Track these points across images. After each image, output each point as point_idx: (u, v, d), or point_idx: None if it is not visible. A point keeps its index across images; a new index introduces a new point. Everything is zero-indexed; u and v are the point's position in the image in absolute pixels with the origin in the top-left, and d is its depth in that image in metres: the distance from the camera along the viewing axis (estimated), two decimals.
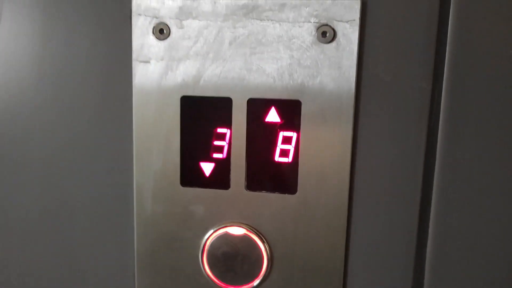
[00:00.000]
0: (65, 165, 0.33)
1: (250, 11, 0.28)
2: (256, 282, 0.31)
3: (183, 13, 0.29)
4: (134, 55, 0.30)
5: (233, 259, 0.31)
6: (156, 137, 0.31)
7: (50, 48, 0.32)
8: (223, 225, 0.31)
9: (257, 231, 0.31)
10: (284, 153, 0.30)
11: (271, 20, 0.28)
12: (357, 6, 0.27)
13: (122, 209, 0.33)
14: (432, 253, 0.29)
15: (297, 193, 0.30)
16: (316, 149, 0.29)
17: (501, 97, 0.27)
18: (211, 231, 0.31)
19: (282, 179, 0.30)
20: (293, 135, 0.29)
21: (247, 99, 0.29)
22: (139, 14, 0.30)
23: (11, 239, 0.35)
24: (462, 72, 0.27)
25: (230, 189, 0.31)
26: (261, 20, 0.28)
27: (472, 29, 0.26)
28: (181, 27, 0.29)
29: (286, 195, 0.30)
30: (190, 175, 0.31)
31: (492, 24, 0.26)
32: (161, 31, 0.29)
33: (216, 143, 0.31)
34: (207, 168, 0.31)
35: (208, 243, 0.31)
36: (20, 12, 0.32)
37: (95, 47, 0.31)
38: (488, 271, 0.28)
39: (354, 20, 0.27)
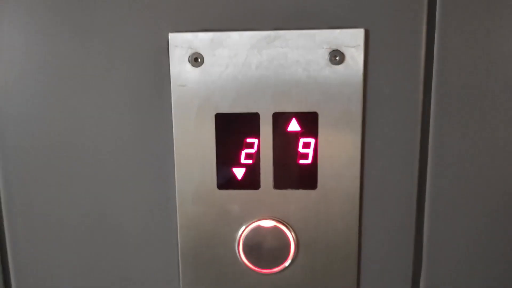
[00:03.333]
0: (114, 177, 0.38)
1: (272, 40, 0.34)
2: (286, 263, 0.37)
3: (215, 44, 0.34)
4: (172, 81, 0.35)
5: (265, 247, 0.37)
6: (194, 149, 0.36)
7: (91, 73, 0.36)
8: (255, 220, 0.37)
9: (285, 222, 0.36)
10: (305, 156, 0.36)
11: (290, 47, 0.34)
12: (361, 34, 0.33)
13: (166, 212, 0.37)
14: (428, 238, 0.36)
15: (317, 189, 0.36)
16: (332, 152, 0.35)
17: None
18: (245, 225, 0.37)
19: (304, 178, 0.36)
20: (312, 141, 0.35)
21: (273, 113, 0.35)
22: (176, 46, 0.34)
23: (57, 244, 0.39)
24: (448, 85, 0.33)
25: (260, 189, 0.36)
26: (282, 47, 0.34)
27: (455, 45, 0.33)
28: (213, 55, 0.34)
29: (308, 191, 0.36)
30: (225, 180, 0.36)
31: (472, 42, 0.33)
32: (196, 60, 0.34)
33: (246, 151, 0.36)
34: (239, 172, 0.36)
35: (243, 235, 0.36)
36: (59, 43, 0.36)
37: (136, 75, 0.36)
38: (481, 263, 0.36)
39: (359, 45, 0.33)
